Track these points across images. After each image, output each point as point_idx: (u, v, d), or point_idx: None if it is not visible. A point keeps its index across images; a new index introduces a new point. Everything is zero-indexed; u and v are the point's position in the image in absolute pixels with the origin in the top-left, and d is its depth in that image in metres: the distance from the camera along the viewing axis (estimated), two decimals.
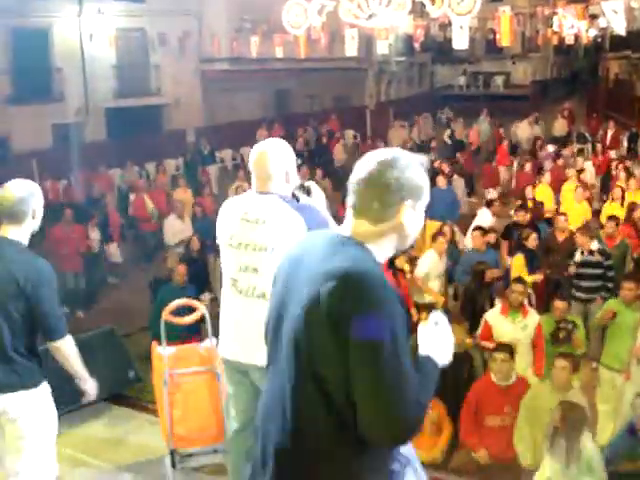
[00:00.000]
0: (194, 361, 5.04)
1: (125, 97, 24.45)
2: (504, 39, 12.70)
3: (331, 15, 20.39)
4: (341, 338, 2.21)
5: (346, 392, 2.24)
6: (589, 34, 46.80)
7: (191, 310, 5.23)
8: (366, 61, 32.19)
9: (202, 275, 10.58)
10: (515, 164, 18.66)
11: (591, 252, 9.85)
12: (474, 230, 10.54)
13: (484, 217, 12.33)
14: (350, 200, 2.47)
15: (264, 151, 3.90)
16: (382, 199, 2.40)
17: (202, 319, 5.17)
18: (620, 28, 11.50)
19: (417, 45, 19.28)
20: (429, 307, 9.05)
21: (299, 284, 2.41)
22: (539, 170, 16.22)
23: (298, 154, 20.85)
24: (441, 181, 14.16)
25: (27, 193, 3.97)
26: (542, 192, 14.07)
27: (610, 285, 9.71)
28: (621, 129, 25.16)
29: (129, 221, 15.45)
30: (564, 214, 11.47)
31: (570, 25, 40.18)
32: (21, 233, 3.98)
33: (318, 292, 2.27)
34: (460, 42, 12.70)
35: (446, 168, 15.84)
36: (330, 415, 2.30)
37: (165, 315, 4.99)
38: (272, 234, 3.75)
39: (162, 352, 5.00)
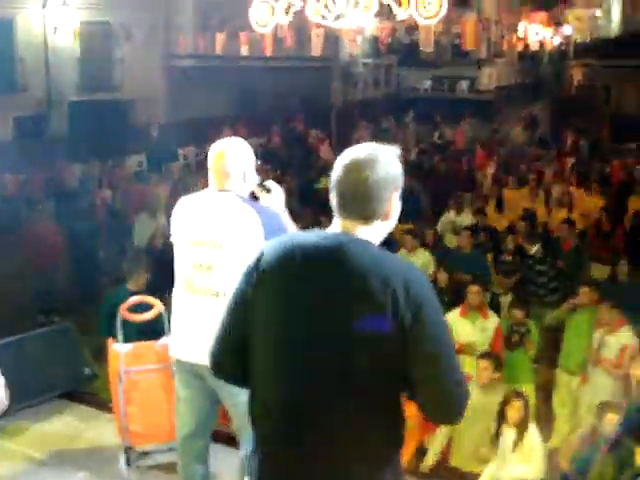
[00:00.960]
0: (150, 358, 5.00)
1: (88, 91, 24.16)
2: (469, 42, 12.81)
3: (298, 14, 20.40)
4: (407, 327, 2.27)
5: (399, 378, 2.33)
6: (553, 41, 47.57)
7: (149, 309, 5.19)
8: (332, 61, 32.24)
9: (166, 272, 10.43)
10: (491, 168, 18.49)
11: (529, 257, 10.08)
12: (463, 229, 10.77)
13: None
14: (337, 202, 2.46)
15: (222, 149, 3.91)
16: (375, 197, 2.41)
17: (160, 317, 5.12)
18: (584, 35, 11.65)
19: (382, 47, 19.33)
20: None
21: (326, 295, 2.34)
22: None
23: (271, 152, 20.68)
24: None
25: None
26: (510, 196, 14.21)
27: (541, 292, 9.88)
28: (581, 136, 25.50)
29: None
30: (525, 219, 11.64)
31: (535, 32, 40.82)
32: None
33: (381, 295, 2.26)
34: (426, 44, 12.77)
35: None
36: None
37: (122, 312, 4.94)
38: (227, 232, 3.73)
39: (118, 349, 4.95)
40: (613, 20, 36.15)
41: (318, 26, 20.18)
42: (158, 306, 5.06)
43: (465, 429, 6.35)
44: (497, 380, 6.48)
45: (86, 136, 22.07)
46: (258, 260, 2.47)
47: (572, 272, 10.30)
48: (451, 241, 12.23)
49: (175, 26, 26.26)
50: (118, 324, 4.90)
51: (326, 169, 18.29)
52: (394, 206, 2.47)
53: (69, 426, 5.66)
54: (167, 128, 24.94)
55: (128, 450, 4.88)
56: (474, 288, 7.95)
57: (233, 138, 4.05)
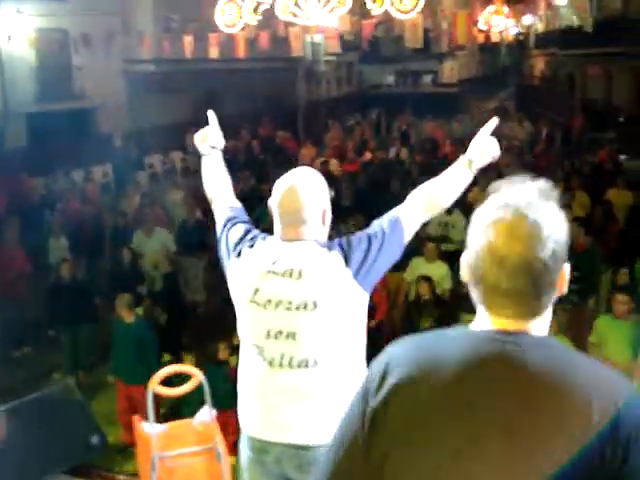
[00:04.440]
0: (189, 440, 4.10)
1: (47, 101, 23.10)
2: (460, 37, 12.18)
3: (265, 13, 19.69)
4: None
5: None
6: (512, 32, 47.36)
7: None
8: (296, 60, 31.46)
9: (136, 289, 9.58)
10: None
11: None
12: None
13: None
14: (485, 297, 1.70)
15: (293, 188, 3.02)
16: (549, 282, 1.66)
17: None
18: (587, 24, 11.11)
19: (365, 44, 18.74)
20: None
21: (498, 427, 1.59)
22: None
23: (257, 159, 19.81)
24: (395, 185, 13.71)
25: None
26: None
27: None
28: (554, 127, 25.06)
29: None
30: None
31: (497, 23, 40.48)
32: None
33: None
34: (414, 39, 12.09)
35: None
36: None
37: (153, 386, 4.04)
38: (316, 291, 2.89)
39: (149, 430, 4.07)
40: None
41: (288, 24, 19.50)
42: (197, 376, 4.14)
43: None
44: None
45: (46, 148, 21.08)
46: (383, 378, 1.72)
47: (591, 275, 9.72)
48: None
49: (135, 30, 25.29)
50: (149, 400, 4.00)
51: None
52: (566, 274, 1.71)
53: None
54: (131, 136, 23.99)
55: None
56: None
57: (303, 169, 3.16)
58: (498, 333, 1.67)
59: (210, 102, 27.98)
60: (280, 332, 2.94)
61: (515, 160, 18.34)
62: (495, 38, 43.70)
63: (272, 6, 18.29)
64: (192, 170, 21.71)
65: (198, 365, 7.42)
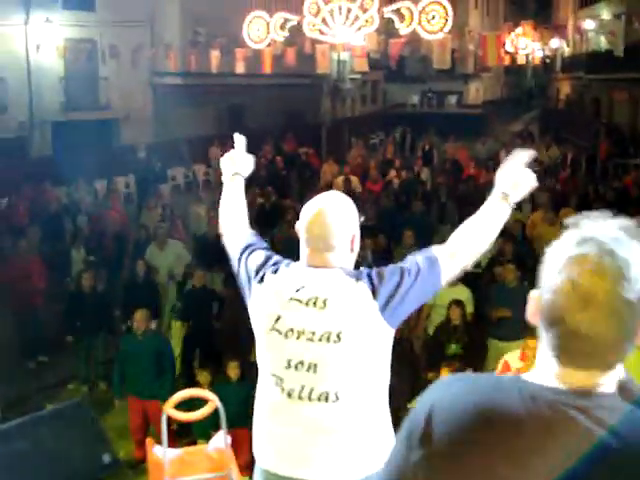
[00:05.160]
0: (202, 466, 3.97)
1: (73, 111, 23.25)
2: (490, 59, 12.10)
3: (292, 30, 19.73)
4: None
5: None
6: (538, 55, 47.27)
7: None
8: (321, 78, 31.55)
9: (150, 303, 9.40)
10: None
11: None
12: (507, 262, 9.61)
13: None
14: (558, 344, 1.49)
15: (321, 212, 2.86)
16: (632, 330, 1.45)
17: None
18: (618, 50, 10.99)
19: (393, 62, 18.70)
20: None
21: None
22: None
23: (280, 174, 19.73)
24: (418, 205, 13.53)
25: None
26: None
27: None
28: (579, 151, 24.87)
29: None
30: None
31: (524, 46, 40.37)
32: None
33: None
34: (442, 61, 12.03)
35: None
36: None
37: (167, 409, 3.93)
38: (337, 319, 2.77)
39: (161, 455, 3.96)
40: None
41: (315, 42, 19.53)
42: (214, 401, 4.01)
43: None
44: None
45: (71, 158, 21.12)
46: (427, 424, 1.54)
47: None
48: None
49: (162, 43, 25.41)
50: (163, 424, 3.89)
51: (328, 189, 17.47)
52: None
53: None
54: (155, 148, 24.05)
55: None
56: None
57: (332, 193, 3.04)
58: (566, 394, 1.47)
59: (235, 117, 28.21)
60: (301, 363, 2.80)
61: (540, 185, 18.21)
62: (521, 60, 43.71)
63: (299, 23, 18.31)
64: (214, 183, 21.80)
65: (211, 383, 7.34)
